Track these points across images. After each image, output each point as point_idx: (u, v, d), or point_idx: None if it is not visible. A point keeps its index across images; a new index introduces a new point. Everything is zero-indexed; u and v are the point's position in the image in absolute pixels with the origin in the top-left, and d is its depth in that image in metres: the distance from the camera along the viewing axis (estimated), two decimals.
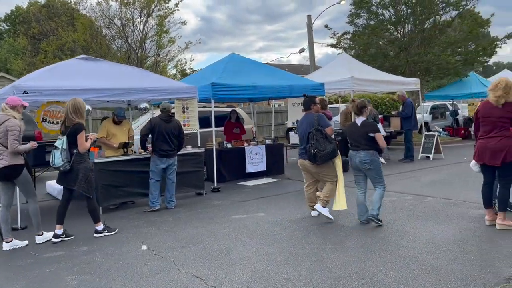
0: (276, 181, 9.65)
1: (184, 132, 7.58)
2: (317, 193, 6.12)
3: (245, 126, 12.40)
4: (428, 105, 22.41)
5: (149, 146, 7.33)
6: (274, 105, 31.66)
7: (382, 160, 11.56)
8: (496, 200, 5.34)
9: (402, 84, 12.39)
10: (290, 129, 18.96)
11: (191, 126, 8.54)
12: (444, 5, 17.24)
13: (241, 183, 9.54)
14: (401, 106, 12.24)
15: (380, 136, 5.54)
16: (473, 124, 5.66)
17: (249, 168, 10.09)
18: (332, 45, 19.27)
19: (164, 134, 7.08)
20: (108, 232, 5.78)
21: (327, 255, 4.53)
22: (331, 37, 19.08)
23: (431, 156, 12.18)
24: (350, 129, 5.83)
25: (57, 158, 5.33)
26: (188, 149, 8.26)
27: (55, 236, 5.56)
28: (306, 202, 6.34)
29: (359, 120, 5.73)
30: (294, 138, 12.98)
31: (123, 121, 8.09)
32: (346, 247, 4.77)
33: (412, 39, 17.32)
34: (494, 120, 5.13)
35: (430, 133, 12.69)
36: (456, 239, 4.84)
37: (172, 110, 7.62)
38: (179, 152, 7.59)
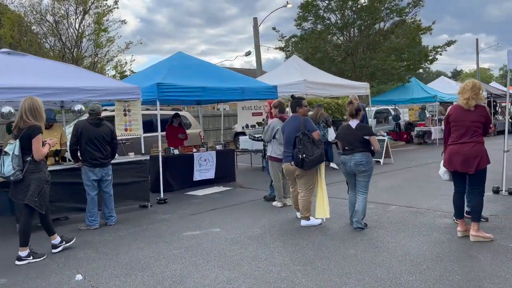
0: (228, 190, 8.99)
1: (127, 137, 6.72)
2: (297, 213, 6.09)
3: (192, 131, 11.66)
4: (372, 109, 22.88)
5: None
6: (219, 108, 31.07)
7: (334, 165, 11.37)
8: (469, 210, 5.06)
9: (353, 88, 12.23)
10: (239, 133, 18.44)
11: (133, 130, 7.65)
12: (388, 11, 17.49)
13: (190, 192, 8.78)
14: None
15: (375, 139, 5.48)
16: (443, 129, 5.37)
17: (197, 176, 9.36)
18: (280, 48, 18.98)
19: (94, 140, 6.14)
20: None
21: (298, 280, 3.95)
22: (279, 40, 18.82)
23: (381, 161, 12.10)
24: (344, 132, 5.60)
25: (7, 166, 4.60)
26: (131, 156, 7.39)
27: (19, 258, 4.79)
28: (293, 205, 6.28)
29: (353, 123, 5.54)
30: (244, 143, 12.40)
31: (54, 126, 7.08)
32: (318, 268, 4.21)
33: (358, 44, 17.41)
34: (468, 125, 4.84)
35: (380, 137, 12.62)
36: (433, 254, 4.45)
37: (107, 113, 6.71)
38: (120, 161, 6.70)
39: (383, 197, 7.40)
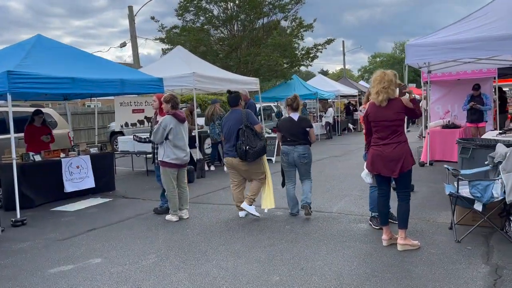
0: (107, 202, 7.50)
1: None
2: (240, 213, 5.98)
3: (59, 131, 9.76)
4: (256, 106, 22.73)
5: None
6: (90, 105, 28.06)
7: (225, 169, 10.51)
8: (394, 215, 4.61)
9: (243, 83, 11.53)
10: (116, 133, 16.49)
11: None
12: (271, 7, 17.28)
13: (57, 208, 7.09)
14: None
15: (313, 131, 5.74)
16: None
17: (69, 187, 7.69)
18: (161, 39, 17.45)
19: None
20: None
21: None
22: (159, 30, 17.31)
23: (273, 159, 11.66)
24: (286, 124, 5.77)
25: None
26: None
27: None
28: (233, 202, 6.10)
29: (295, 116, 5.72)
30: (124, 144, 10.86)
31: None
32: None
33: (242, 39, 16.86)
34: (387, 125, 4.33)
35: (272, 135, 12.18)
36: (366, 273, 3.82)
37: None
38: None
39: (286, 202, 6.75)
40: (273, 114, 22.80)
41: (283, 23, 18.00)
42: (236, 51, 17.07)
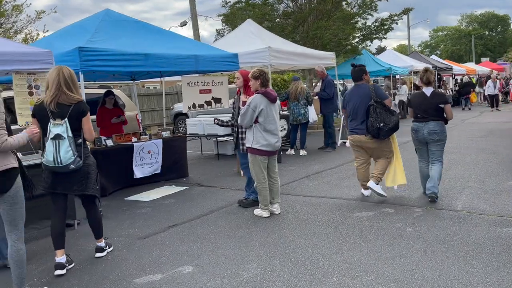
0: (183, 190, 6.85)
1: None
2: (363, 191, 5.76)
3: (127, 113, 9.24)
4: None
5: None
6: (149, 87, 27.98)
7: (304, 152, 9.60)
8: None
9: (320, 58, 10.45)
10: (179, 115, 16.02)
11: None
12: None
13: (131, 197, 6.52)
14: (319, 84, 10.37)
15: (449, 108, 5.30)
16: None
17: (138, 173, 7.15)
18: (224, 16, 16.61)
19: None
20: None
21: None
22: (222, 6, 16.45)
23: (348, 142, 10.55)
24: (417, 99, 5.38)
25: (66, 152, 3.68)
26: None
27: (60, 266, 3.81)
28: (359, 182, 5.81)
29: (427, 90, 5.33)
30: (193, 127, 10.22)
31: None
32: None
33: (310, 11, 15.62)
34: None
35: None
36: None
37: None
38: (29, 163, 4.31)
39: (396, 194, 5.73)
40: (339, 93, 21.57)
41: None
42: (303, 25, 15.87)
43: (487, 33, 71.72)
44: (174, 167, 7.68)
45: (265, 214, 5.11)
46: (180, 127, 15.88)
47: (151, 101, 17.45)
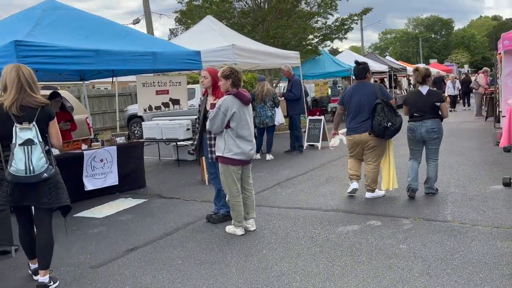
0: (142, 203, 6.11)
1: None
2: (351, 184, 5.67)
3: (76, 117, 8.33)
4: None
5: None
6: (100, 87, 26.49)
7: (271, 156, 9.04)
8: None
9: (285, 57, 10.00)
10: (135, 117, 15.01)
11: None
12: None
13: (81, 213, 5.71)
14: (282, 85, 9.90)
15: (445, 106, 5.33)
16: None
17: (89, 185, 6.36)
18: (181, 13, 15.77)
19: None
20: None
21: None
22: (179, 2, 15.63)
23: (319, 144, 10.19)
24: (413, 98, 5.41)
25: (39, 159, 3.26)
26: None
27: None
28: (348, 171, 5.68)
29: (423, 89, 5.33)
30: (150, 130, 9.44)
31: None
32: None
33: (270, 10, 15.17)
34: None
35: (316, 117, 10.67)
36: None
37: None
38: None
39: (373, 206, 5.31)
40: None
41: None
42: (263, 24, 15.40)
43: (432, 36, 74.91)
44: (130, 177, 6.92)
45: (239, 231, 4.51)
46: (135, 131, 14.92)
47: (102, 103, 16.34)
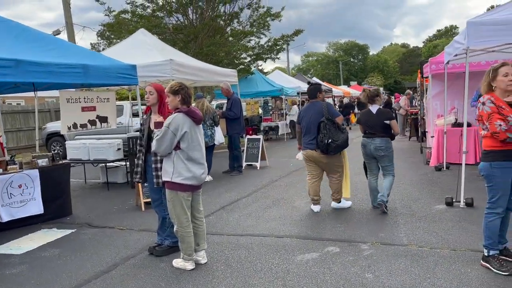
0: (69, 234, 5.37)
1: None
2: (313, 207, 5.86)
3: None
4: (213, 104, 20.63)
5: None
6: (12, 103, 24.19)
7: (209, 178, 8.59)
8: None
9: (224, 75, 9.70)
10: (55, 135, 13.73)
11: None
12: None
13: None
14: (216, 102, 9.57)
15: (395, 123, 5.55)
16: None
17: (5, 215, 5.53)
18: (109, 26, 14.86)
19: None
20: None
21: None
22: (106, 15, 14.74)
23: (257, 164, 9.95)
24: (365, 117, 5.63)
25: None
26: None
27: None
28: (308, 195, 5.89)
29: (373, 108, 5.59)
30: (75, 151, 8.57)
31: None
32: None
33: (203, 27, 14.88)
34: None
35: (254, 136, 10.44)
36: None
37: None
38: None
39: (322, 229, 5.11)
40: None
41: (246, 12, 16.17)
42: (195, 40, 15.04)
43: (351, 59, 79.52)
44: (54, 203, 6.13)
45: (190, 266, 4.03)
46: (54, 150, 13.63)
47: (15, 119, 14.80)
